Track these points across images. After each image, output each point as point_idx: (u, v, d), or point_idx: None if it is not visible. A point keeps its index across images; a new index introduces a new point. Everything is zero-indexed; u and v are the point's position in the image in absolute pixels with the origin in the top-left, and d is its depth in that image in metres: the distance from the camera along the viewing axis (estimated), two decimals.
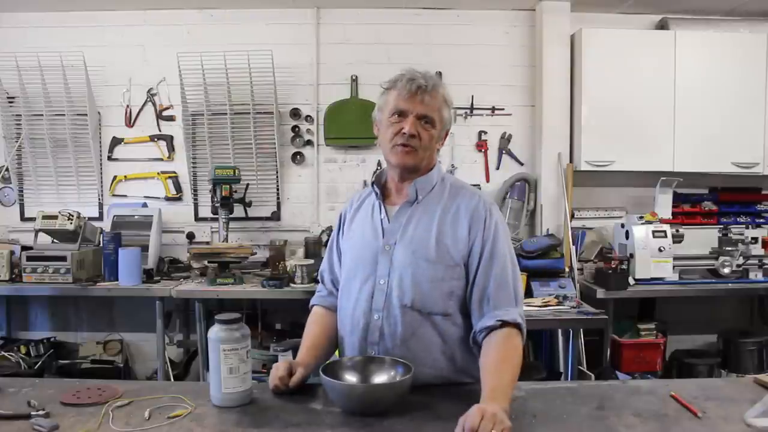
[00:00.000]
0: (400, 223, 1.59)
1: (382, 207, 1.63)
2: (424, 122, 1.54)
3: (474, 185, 3.91)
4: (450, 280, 1.53)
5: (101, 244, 3.58)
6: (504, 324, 1.46)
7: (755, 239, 3.83)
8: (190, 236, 3.99)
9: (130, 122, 4.02)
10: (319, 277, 1.83)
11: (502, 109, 4.04)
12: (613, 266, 3.37)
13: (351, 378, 1.46)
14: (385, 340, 1.53)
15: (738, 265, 3.63)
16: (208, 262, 3.52)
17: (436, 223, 1.56)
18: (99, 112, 4.00)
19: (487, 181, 4.05)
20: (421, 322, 1.52)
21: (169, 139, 4.02)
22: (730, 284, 3.55)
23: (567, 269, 3.53)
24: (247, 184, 3.89)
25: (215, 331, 1.41)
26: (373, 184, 1.67)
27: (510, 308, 1.49)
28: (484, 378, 1.38)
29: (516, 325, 1.47)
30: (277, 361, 3.48)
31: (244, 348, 1.41)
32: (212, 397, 1.40)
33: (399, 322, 1.52)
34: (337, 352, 1.78)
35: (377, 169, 3.98)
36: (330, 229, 3.82)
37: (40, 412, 1.29)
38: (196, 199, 4.01)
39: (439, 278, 1.52)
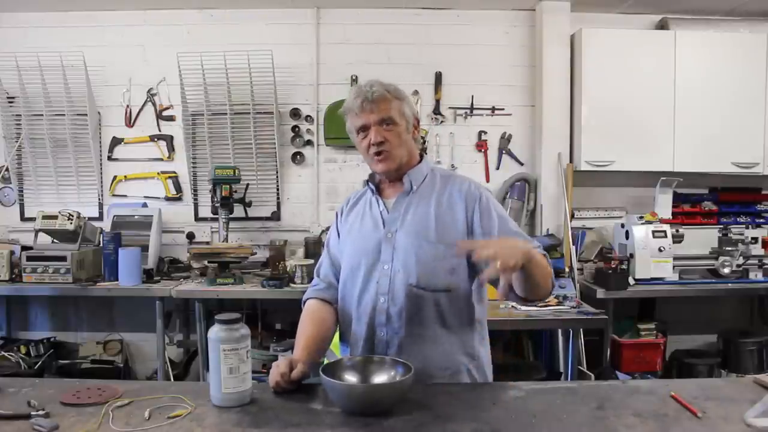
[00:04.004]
0: (399, 212, 1.69)
1: (380, 200, 1.74)
2: (386, 125, 1.64)
3: None
4: (451, 258, 1.62)
5: (101, 244, 3.58)
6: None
7: (755, 239, 3.83)
8: (190, 236, 3.99)
9: (130, 122, 4.02)
10: (315, 273, 1.85)
11: (502, 109, 4.04)
12: (613, 266, 3.37)
13: (351, 378, 1.46)
14: (392, 320, 1.62)
15: (738, 265, 3.63)
16: (208, 262, 3.53)
17: (433, 208, 1.66)
18: (99, 112, 4.00)
19: (487, 181, 4.05)
20: (424, 300, 1.61)
21: (169, 139, 4.02)
22: (730, 284, 3.55)
23: (567, 269, 3.53)
24: (247, 184, 3.89)
25: (215, 331, 1.41)
26: (367, 182, 1.79)
27: (531, 242, 1.60)
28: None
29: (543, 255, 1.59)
30: (277, 360, 3.50)
31: (244, 348, 1.41)
32: (212, 397, 1.40)
33: (403, 302, 1.61)
34: (338, 351, 1.79)
35: None
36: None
37: (40, 412, 1.29)
38: (196, 199, 4.01)
39: (440, 257, 1.62)
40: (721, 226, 3.94)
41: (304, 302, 1.79)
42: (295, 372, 1.47)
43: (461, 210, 1.66)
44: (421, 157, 1.76)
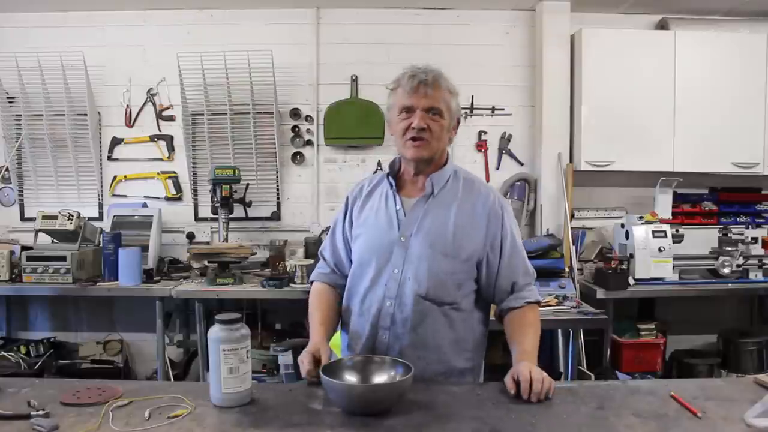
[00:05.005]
0: (416, 216, 1.64)
1: (398, 198, 1.68)
2: (432, 114, 1.60)
3: None
4: (461, 273, 1.63)
5: (101, 244, 3.58)
6: (528, 303, 1.66)
7: (755, 239, 3.83)
8: (190, 236, 3.99)
9: (130, 122, 4.02)
10: (319, 255, 1.87)
11: (502, 109, 4.04)
12: (613, 266, 3.37)
13: (351, 378, 1.46)
14: (396, 325, 1.62)
15: (738, 265, 3.63)
16: (208, 262, 3.52)
17: (452, 219, 1.63)
18: (99, 112, 4.00)
19: (487, 181, 4.04)
20: (431, 311, 1.61)
21: (169, 139, 4.02)
22: (730, 284, 3.55)
23: (567, 269, 3.52)
24: (247, 184, 3.89)
25: (215, 331, 1.41)
26: (388, 175, 1.71)
27: (531, 288, 1.70)
28: (515, 341, 1.59)
29: (537, 303, 1.69)
30: (277, 361, 3.51)
31: (244, 348, 1.41)
32: (212, 397, 1.40)
33: (410, 309, 1.60)
34: (338, 351, 1.79)
35: (377, 169, 3.98)
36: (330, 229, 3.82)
37: (40, 412, 1.29)
38: (196, 199, 4.01)
39: (451, 271, 1.61)
40: (721, 226, 3.94)
41: (311, 282, 1.84)
42: (324, 359, 1.49)
43: (482, 226, 1.64)
44: (447, 157, 1.72)
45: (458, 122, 1.70)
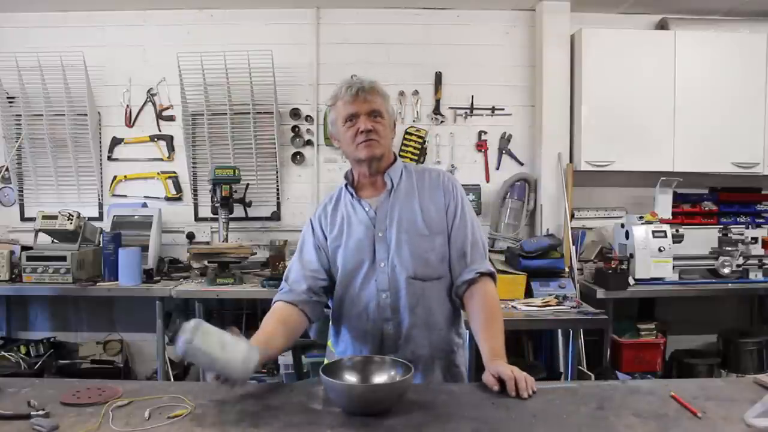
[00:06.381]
0: (385, 211, 1.76)
1: (363, 202, 1.78)
2: (374, 117, 1.71)
3: (474, 185, 3.95)
4: (440, 246, 1.75)
5: (101, 244, 3.58)
6: (481, 275, 1.72)
7: (755, 239, 3.83)
8: (190, 236, 3.99)
9: (130, 122, 4.02)
10: (284, 278, 1.81)
11: (502, 109, 4.04)
12: (613, 266, 3.37)
13: (351, 378, 1.46)
14: (397, 314, 1.72)
15: (738, 265, 3.63)
16: (208, 262, 3.53)
17: (417, 204, 1.76)
18: (99, 112, 4.00)
19: (487, 181, 4.05)
20: (422, 289, 1.72)
21: (169, 139, 4.02)
22: (730, 284, 3.55)
23: (567, 269, 3.52)
24: (247, 184, 3.89)
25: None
26: (346, 185, 1.82)
27: (483, 261, 1.77)
28: (481, 338, 1.63)
29: (490, 274, 1.75)
30: (277, 361, 3.50)
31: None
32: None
33: (404, 294, 1.71)
34: (331, 345, 1.85)
35: None
36: None
37: (40, 412, 1.29)
38: (196, 199, 4.01)
39: (431, 248, 1.73)
40: (721, 226, 3.94)
41: (273, 304, 1.76)
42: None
43: (441, 202, 1.77)
44: (395, 156, 1.84)
45: (395, 124, 1.83)
